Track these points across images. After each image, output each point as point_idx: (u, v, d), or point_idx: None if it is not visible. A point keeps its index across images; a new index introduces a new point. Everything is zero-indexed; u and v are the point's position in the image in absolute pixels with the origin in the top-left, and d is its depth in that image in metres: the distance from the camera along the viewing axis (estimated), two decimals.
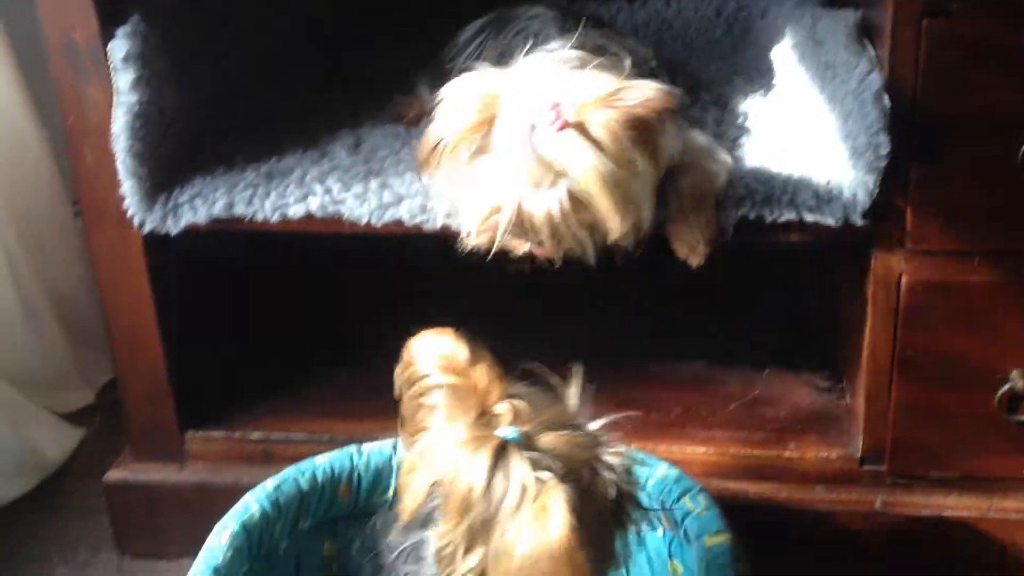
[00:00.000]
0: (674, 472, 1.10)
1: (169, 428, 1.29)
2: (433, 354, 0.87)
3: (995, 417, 1.16)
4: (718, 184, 1.09)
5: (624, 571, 1.12)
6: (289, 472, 1.12)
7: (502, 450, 0.81)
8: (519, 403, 0.85)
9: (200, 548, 1.05)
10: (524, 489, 0.79)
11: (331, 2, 1.61)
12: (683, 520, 1.06)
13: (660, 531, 1.11)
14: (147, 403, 1.28)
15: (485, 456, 0.81)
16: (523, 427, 0.83)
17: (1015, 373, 1.14)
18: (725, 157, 1.12)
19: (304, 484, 1.11)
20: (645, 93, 0.94)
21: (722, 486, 1.22)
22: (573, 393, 0.88)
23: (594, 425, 0.88)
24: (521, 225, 0.97)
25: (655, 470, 1.10)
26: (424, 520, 0.89)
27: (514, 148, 0.95)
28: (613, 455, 0.86)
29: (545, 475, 0.80)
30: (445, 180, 1.02)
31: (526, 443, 0.82)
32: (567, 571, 0.77)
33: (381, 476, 1.14)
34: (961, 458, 1.20)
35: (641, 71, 1.03)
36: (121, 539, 1.34)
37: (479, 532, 0.81)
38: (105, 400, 1.56)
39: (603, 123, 0.93)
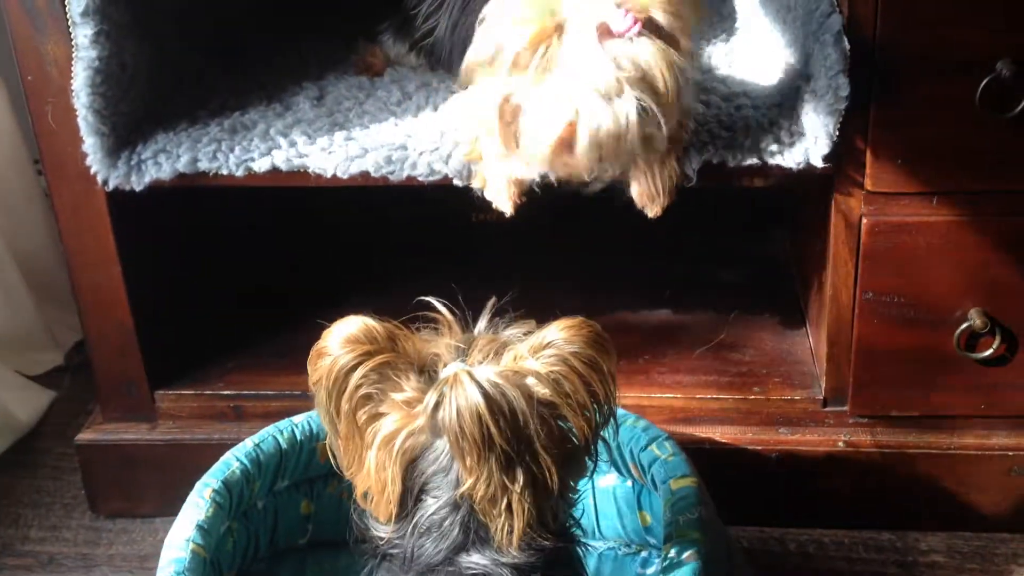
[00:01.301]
0: (641, 422, 1.12)
1: (139, 387, 1.29)
2: (351, 343, 0.84)
3: (954, 355, 1.18)
4: (684, 135, 1.10)
5: (595, 522, 1.15)
6: (268, 430, 1.12)
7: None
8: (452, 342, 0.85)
9: (173, 506, 1.06)
10: None
11: None
12: (650, 467, 1.07)
13: (629, 481, 1.12)
14: (116, 363, 1.28)
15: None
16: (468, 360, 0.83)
17: (973, 312, 1.16)
18: (696, 106, 1.13)
19: (283, 442, 1.12)
20: None
21: (689, 431, 1.24)
22: (483, 321, 0.88)
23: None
24: (592, 140, 0.95)
25: (623, 420, 1.11)
26: None
27: (585, 57, 0.93)
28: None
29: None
30: (484, 95, 0.99)
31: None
32: None
33: None
34: (921, 396, 1.22)
35: None
36: (94, 499, 1.34)
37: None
38: (74, 361, 1.56)
39: (670, 14, 0.93)
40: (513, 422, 0.80)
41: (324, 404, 0.85)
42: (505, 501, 0.81)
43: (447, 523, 0.84)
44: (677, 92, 0.96)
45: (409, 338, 0.85)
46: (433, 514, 0.84)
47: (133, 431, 1.31)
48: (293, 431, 1.13)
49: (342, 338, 0.84)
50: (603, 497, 1.14)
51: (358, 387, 0.83)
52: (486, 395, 0.79)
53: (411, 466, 0.84)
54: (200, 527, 1.02)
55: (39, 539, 1.32)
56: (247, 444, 1.10)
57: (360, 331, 0.84)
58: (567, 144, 0.96)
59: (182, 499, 1.06)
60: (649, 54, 0.94)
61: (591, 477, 1.00)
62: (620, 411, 1.12)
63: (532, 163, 1.01)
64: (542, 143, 0.96)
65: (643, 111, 0.94)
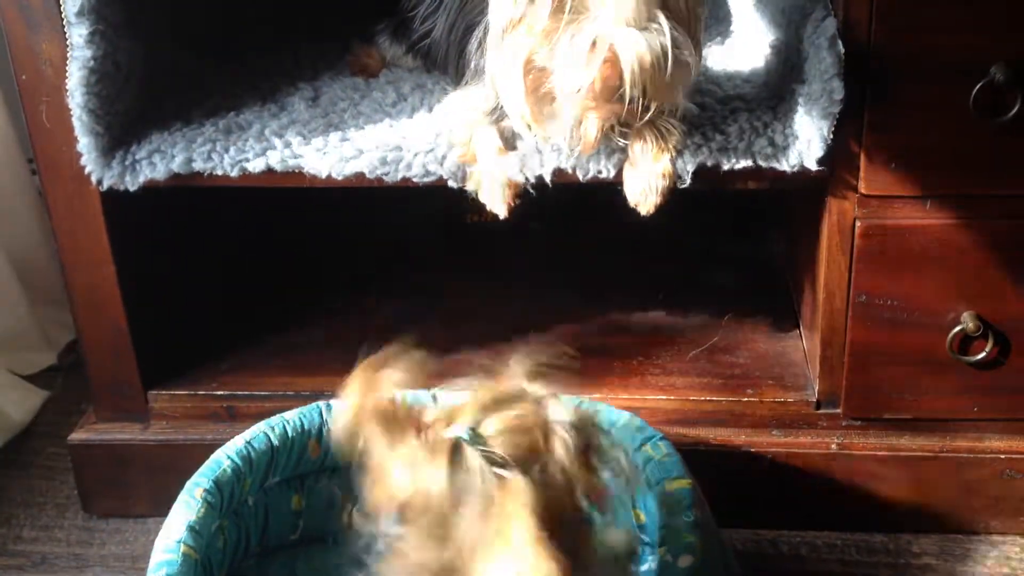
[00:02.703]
0: (636, 421, 1.11)
1: (132, 387, 1.29)
2: (363, 422, 0.85)
3: (947, 358, 1.18)
4: (679, 136, 1.10)
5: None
6: (259, 427, 1.12)
7: (456, 449, 0.81)
8: (451, 401, 0.85)
9: (166, 506, 1.06)
10: (485, 483, 0.79)
11: None
12: (645, 466, 1.07)
13: (623, 480, 1.12)
14: (109, 362, 1.28)
15: (442, 459, 0.80)
16: (466, 422, 0.82)
17: (966, 315, 1.16)
18: (691, 106, 1.13)
19: (275, 439, 1.12)
20: None
21: (682, 433, 1.24)
22: (513, 369, 0.87)
23: (536, 389, 0.86)
24: (634, 73, 0.96)
25: (618, 419, 1.11)
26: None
27: None
28: (566, 414, 0.85)
29: (504, 472, 0.80)
30: (508, 62, 1.00)
31: (474, 437, 0.81)
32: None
33: None
34: (914, 399, 1.22)
35: None
36: (87, 499, 1.34)
37: (439, 534, 0.81)
38: (67, 360, 1.56)
39: None
40: None
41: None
42: None
43: None
44: (700, 25, 0.97)
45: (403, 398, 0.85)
46: None
47: (126, 431, 1.30)
48: (285, 427, 1.13)
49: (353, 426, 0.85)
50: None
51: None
52: None
53: None
54: (191, 528, 1.02)
55: (31, 539, 1.32)
56: (238, 442, 1.10)
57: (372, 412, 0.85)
58: (608, 87, 0.96)
59: (175, 499, 1.06)
60: None
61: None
62: (614, 410, 1.12)
63: (570, 119, 1.02)
64: (582, 89, 0.97)
65: (676, 38, 0.96)
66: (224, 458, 1.09)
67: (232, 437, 1.27)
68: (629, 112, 1.00)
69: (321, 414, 1.15)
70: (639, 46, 0.95)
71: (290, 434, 1.13)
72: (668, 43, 0.95)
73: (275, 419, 1.13)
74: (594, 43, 0.96)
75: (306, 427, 1.14)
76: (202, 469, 1.08)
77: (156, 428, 1.30)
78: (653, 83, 0.97)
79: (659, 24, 0.95)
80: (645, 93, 0.98)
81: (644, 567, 1.13)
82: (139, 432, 1.30)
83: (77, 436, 1.31)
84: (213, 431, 1.29)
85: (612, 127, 1.05)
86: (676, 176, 1.09)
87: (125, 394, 1.30)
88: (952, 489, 1.25)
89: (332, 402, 1.15)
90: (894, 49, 1.07)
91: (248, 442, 1.10)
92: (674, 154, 1.09)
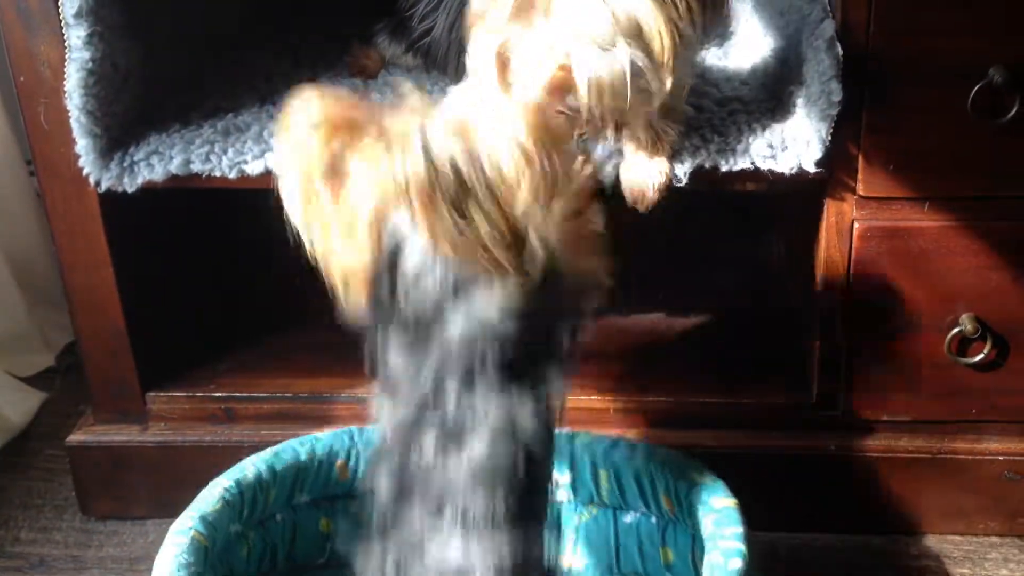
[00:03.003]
0: (676, 452, 1.11)
1: (130, 389, 1.29)
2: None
3: (946, 360, 1.18)
4: (675, 137, 1.10)
5: (614, 558, 1.14)
6: (290, 442, 1.13)
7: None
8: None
9: (164, 508, 1.07)
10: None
11: None
12: (689, 491, 1.07)
13: (654, 517, 1.12)
14: (107, 364, 1.28)
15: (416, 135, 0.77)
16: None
17: (964, 316, 1.16)
18: (687, 108, 1.13)
19: (303, 455, 1.12)
20: None
21: (681, 435, 1.24)
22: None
23: None
24: (589, 85, 0.95)
25: (653, 453, 1.11)
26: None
27: (581, 5, 0.94)
28: None
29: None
30: (478, 49, 1.00)
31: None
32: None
33: None
34: (913, 401, 1.22)
35: None
36: (85, 501, 1.34)
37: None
38: (65, 362, 1.56)
39: None
40: None
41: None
42: None
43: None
44: (673, 53, 0.95)
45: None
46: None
47: (124, 433, 1.30)
48: (314, 446, 1.13)
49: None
50: (626, 532, 1.14)
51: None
52: None
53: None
54: (203, 517, 1.02)
55: (29, 540, 1.32)
56: (266, 452, 1.11)
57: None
58: (561, 88, 0.95)
59: (173, 501, 1.06)
60: (647, 10, 0.94)
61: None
62: (650, 445, 1.12)
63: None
64: (534, 85, 0.96)
65: (636, 66, 0.95)
66: (249, 463, 1.09)
67: (230, 439, 1.28)
68: (591, 127, 1.00)
69: (352, 437, 1.15)
70: (595, 67, 0.94)
71: (319, 453, 1.13)
72: (626, 71, 0.94)
73: (305, 438, 1.14)
74: (552, 48, 0.95)
75: (335, 448, 1.14)
76: (227, 471, 1.08)
77: (154, 430, 1.30)
78: (611, 100, 0.96)
79: (621, 50, 0.94)
80: (603, 107, 0.97)
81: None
82: (137, 434, 1.30)
83: (75, 438, 1.31)
84: (211, 433, 1.29)
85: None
86: (672, 175, 1.09)
87: (123, 395, 1.30)
88: (951, 491, 1.25)
89: (365, 427, 1.14)
90: (892, 51, 1.07)
91: (276, 453, 1.11)
92: (670, 153, 1.09)
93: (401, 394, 0.88)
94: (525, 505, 0.88)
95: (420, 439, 0.87)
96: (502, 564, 0.86)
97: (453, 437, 0.86)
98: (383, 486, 0.90)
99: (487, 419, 0.86)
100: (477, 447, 0.86)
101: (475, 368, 0.84)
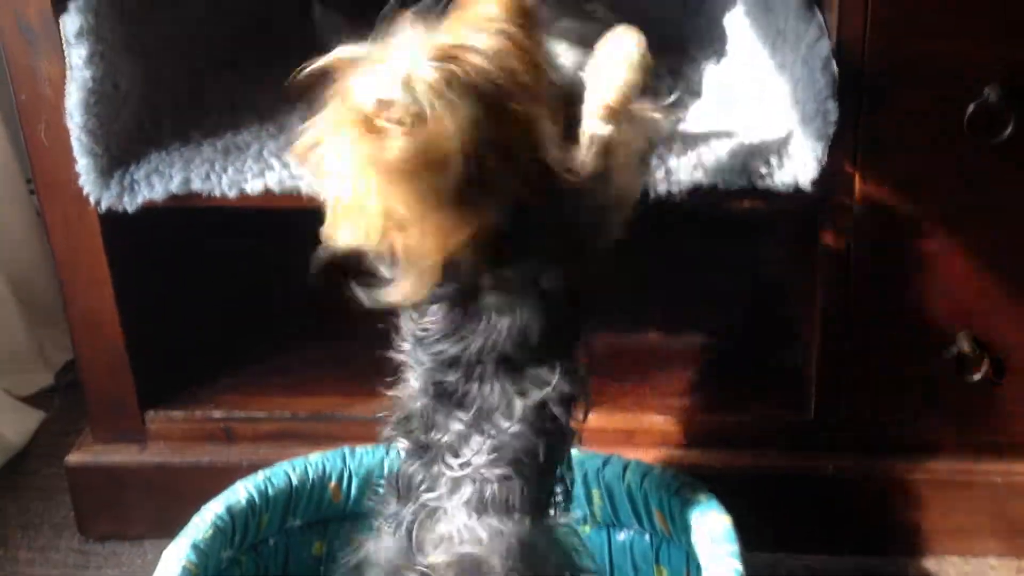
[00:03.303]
0: (670, 470, 1.11)
1: (129, 408, 1.29)
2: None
3: (944, 379, 1.18)
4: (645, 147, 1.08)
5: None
6: (281, 465, 1.12)
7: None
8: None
9: (162, 528, 1.06)
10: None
11: None
12: (683, 509, 1.07)
13: (647, 535, 1.12)
14: (106, 383, 1.28)
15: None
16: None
17: (962, 335, 1.16)
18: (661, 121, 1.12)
19: (294, 479, 1.11)
20: None
21: (678, 454, 1.24)
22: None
23: None
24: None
25: (648, 471, 1.11)
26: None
27: None
28: None
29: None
30: None
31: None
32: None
33: (372, 478, 1.14)
34: (911, 420, 1.22)
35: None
36: (83, 521, 1.34)
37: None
38: (64, 381, 1.56)
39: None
40: None
41: None
42: None
43: None
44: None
45: None
46: None
47: (123, 452, 1.30)
48: (306, 468, 1.12)
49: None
50: (619, 551, 1.14)
51: None
52: None
53: None
54: (196, 546, 1.01)
55: (28, 561, 1.32)
56: (257, 476, 1.10)
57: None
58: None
59: (172, 521, 1.06)
60: None
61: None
62: (643, 463, 1.12)
63: None
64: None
65: None
66: (240, 488, 1.09)
67: (229, 459, 1.27)
68: None
69: (344, 459, 1.14)
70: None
71: (311, 475, 1.12)
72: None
73: (297, 460, 1.13)
74: None
75: (327, 470, 1.13)
76: (218, 496, 1.08)
77: (153, 449, 1.30)
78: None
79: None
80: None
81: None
82: (136, 453, 1.30)
83: (74, 458, 1.31)
84: (210, 452, 1.29)
85: None
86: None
87: (122, 415, 1.30)
88: (950, 511, 1.24)
89: (356, 447, 1.14)
90: (887, 70, 1.07)
91: (267, 477, 1.10)
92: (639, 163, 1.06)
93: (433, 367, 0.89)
94: (542, 491, 0.89)
95: (445, 415, 0.89)
96: (510, 550, 0.87)
97: (481, 416, 0.87)
98: (405, 448, 0.92)
99: (517, 398, 0.87)
100: (505, 426, 0.87)
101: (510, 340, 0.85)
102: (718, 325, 1.40)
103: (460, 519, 0.88)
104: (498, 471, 0.88)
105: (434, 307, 0.89)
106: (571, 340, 0.91)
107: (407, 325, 0.92)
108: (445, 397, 0.90)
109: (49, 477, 1.42)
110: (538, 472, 0.89)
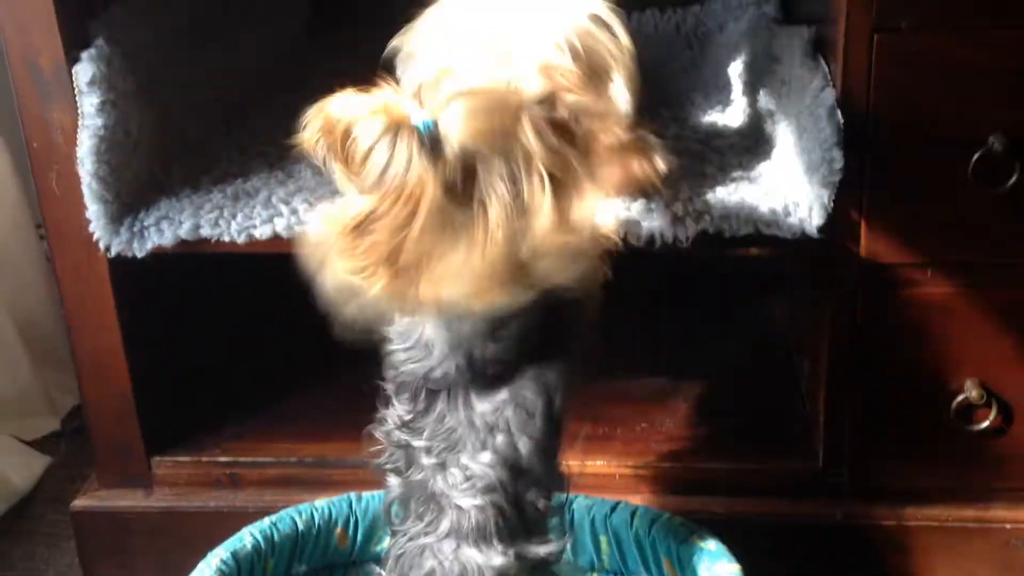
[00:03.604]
0: (678, 518, 1.11)
1: (135, 453, 1.29)
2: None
3: (952, 427, 1.18)
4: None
5: None
6: (287, 511, 1.12)
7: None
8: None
9: (168, 574, 1.05)
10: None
11: (302, 24, 1.62)
12: (692, 557, 1.06)
13: None
14: (113, 428, 1.28)
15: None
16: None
17: (970, 383, 1.16)
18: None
19: (300, 524, 1.12)
20: None
21: (685, 501, 1.23)
22: None
23: None
24: None
25: (657, 517, 1.11)
26: None
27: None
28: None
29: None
30: None
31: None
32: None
33: (378, 524, 1.14)
34: (919, 468, 1.21)
35: None
36: (89, 566, 1.33)
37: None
38: (70, 426, 1.56)
39: None
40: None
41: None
42: None
43: None
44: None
45: None
46: None
47: (129, 498, 1.30)
48: (312, 514, 1.12)
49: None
50: None
51: None
52: None
53: None
54: None
55: None
56: (263, 521, 1.10)
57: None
58: None
59: (177, 567, 1.05)
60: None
61: None
62: (652, 509, 1.12)
63: None
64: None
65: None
66: (247, 534, 1.09)
67: (235, 504, 1.27)
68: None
69: (351, 504, 1.14)
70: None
71: (317, 521, 1.12)
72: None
73: (303, 505, 1.14)
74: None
75: (334, 516, 1.13)
76: (224, 542, 1.08)
77: (159, 495, 1.30)
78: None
79: None
80: None
81: None
82: (142, 499, 1.30)
83: (79, 503, 1.31)
84: (216, 498, 1.29)
85: None
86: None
87: (128, 460, 1.29)
88: (959, 559, 1.23)
89: (363, 493, 1.15)
90: (892, 119, 1.08)
91: (273, 523, 1.10)
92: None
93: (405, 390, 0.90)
94: (522, 522, 0.89)
95: (420, 448, 0.90)
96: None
97: (452, 446, 0.88)
98: (392, 482, 0.93)
99: (488, 425, 0.88)
100: (477, 456, 0.88)
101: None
102: (726, 372, 1.39)
103: (443, 552, 0.89)
104: (474, 501, 0.88)
105: (405, 324, 0.90)
106: (536, 369, 0.90)
107: (388, 347, 0.93)
108: (417, 425, 0.91)
109: (55, 523, 1.42)
110: (513, 504, 0.89)
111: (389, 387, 0.93)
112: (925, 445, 1.20)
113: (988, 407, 1.16)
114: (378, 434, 0.95)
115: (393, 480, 0.95)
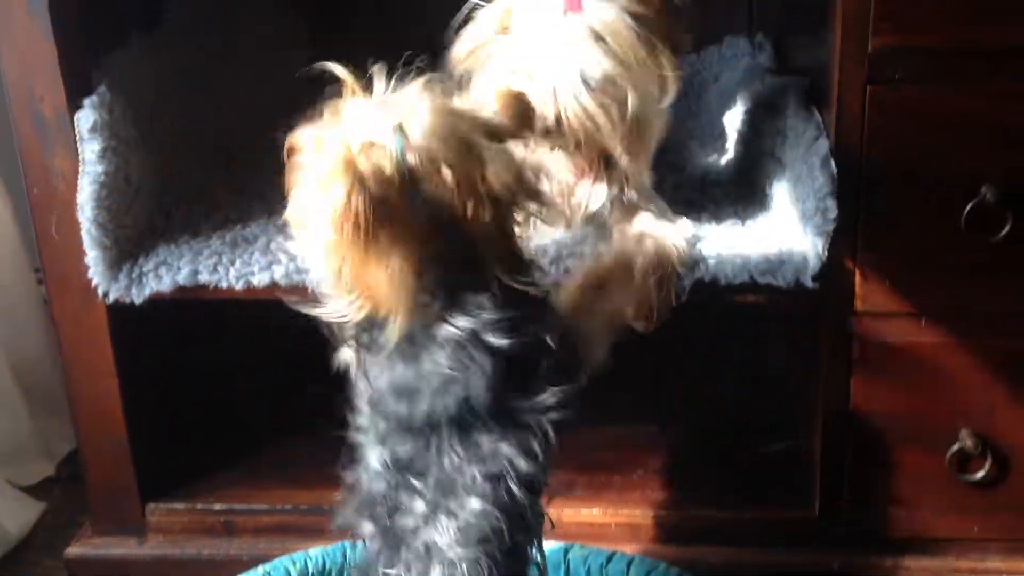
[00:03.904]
0: (674, 568, 1.12)
1: (130, 500, 1.29)
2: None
3: (947, 476, 1.18)
4: (677, 258, 1.11)
5: None
6: (282, 560, 1.12)
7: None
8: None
9: None
10: None
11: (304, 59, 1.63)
12: None
13: None
14: (108, 475, 1.28)
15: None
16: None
17: (964, 432, 1.16)
18: (688, 230, 1.15)
19: (294, 573, 1.12)
20: None
21: (682, 550, 1.23)
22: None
23: None
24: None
25: (655, 569, 1.11)
26: None
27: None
28: None
29: None
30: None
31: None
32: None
33: (371, 574, 1.13)
34: (916, 518, 1.21)
35: None
36: None
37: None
38: (66, 472, 1.55)
39: None
40: None
41: None
42: None
43: None
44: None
45: None
46: None
47: (122, 545, 1.29)
48: (306, 562, 1.12)
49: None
50: None
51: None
52: None
53: None
54: None
55: None
56: (257, 569, 1.10)
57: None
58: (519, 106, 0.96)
59: None
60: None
61: None
62: (646, 559, 1.12)
63: None
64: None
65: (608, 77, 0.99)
66: None
67: (229, 552, 1.26)
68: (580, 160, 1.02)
69: (344, 554, 1.14)
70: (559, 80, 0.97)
71: (311, 570, 1.12)
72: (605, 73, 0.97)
73: (297, 554, 1.13)
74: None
75: (328, 566, 1.13)
76: None
77: (153, 542, 1.29)
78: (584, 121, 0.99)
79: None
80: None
81: None
82: (135, 546, 1.29)
83: (74, 550, 1.30)
84: (210, 546, 1.28)
85: None
86: (672, 297, 1.09)
87: (123, 506, 1.29)
88: None
89: (357, 542, 1.14)
90: (885, 169, 1.09)
91: (267, 572, 1.11)
92: (675, 273, 1.10)
93: (390, 434, 0.90)
94: (511, 573, 0.89)
95: (408, 495, 0.89)
96: None
97: (442, 493, 0.87)
98: (369, 535, 0.92)
99: (479, 471, 0.87)
100: (468, 504, 0.87)
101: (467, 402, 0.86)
102: (721, 420, 1.39)
103: None
104: (466, 552, 0.87)
105: (383, 358, 0.90)
106: (524, 413, 0.90)
107: (361, 385, 0.93)
108: (405, 470, 0.89)
109: (49, 569, 1.40)
110: (505, 553, 0.89)
111: (371, 433, 0.92)
112: (922, 494, 1.20)
113: (983, 457, 1.16)
114: (356, 482, 0.94)
115: (369, 531, 0.93)
